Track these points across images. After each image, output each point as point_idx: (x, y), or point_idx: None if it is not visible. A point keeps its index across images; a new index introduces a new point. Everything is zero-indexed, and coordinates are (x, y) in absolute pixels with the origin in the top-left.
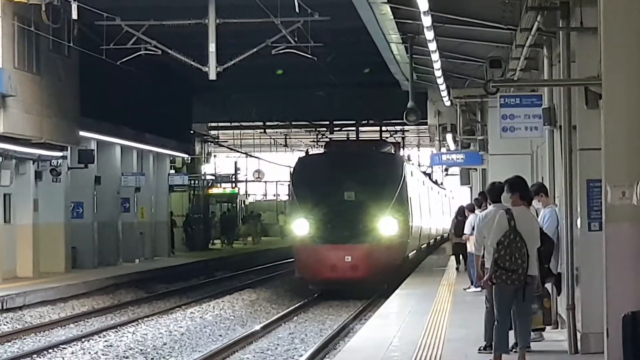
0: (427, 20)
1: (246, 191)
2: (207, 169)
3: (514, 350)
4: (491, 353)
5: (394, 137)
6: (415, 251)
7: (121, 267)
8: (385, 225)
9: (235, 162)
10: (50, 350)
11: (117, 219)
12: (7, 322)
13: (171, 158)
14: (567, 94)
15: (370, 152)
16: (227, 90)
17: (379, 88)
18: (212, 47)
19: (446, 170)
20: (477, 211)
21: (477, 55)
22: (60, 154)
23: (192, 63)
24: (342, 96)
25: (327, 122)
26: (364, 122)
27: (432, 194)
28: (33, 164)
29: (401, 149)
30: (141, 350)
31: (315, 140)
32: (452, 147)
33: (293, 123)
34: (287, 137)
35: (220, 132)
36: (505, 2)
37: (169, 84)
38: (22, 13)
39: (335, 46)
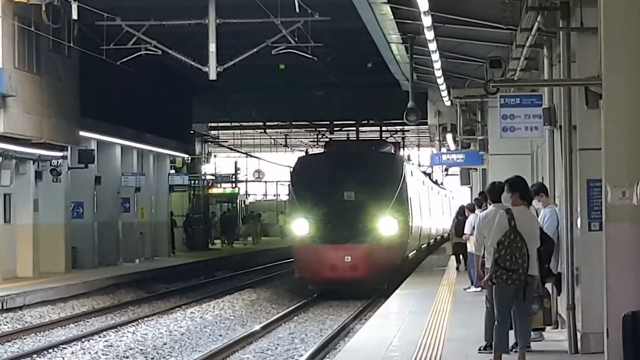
0: (427, 21)
1: (246, 191)
2: (207, 169)
3: (514, 350)
4: (491, 353)
5: (394, 137)
6: (415, 251)
7: (121, 267)
8: (385, 225)
9: (236, 162)
10: (50, 350)
11: (117, 219)
12: (7, 322)
13: (171, 158)
14: (568, 94)
15: (370, 152)
16: (227, 90)
17: (379, 88)
18: (212, 47)
19: (446, 170)
20: (477, 211)
21: (477, 55)
22: (60, 154)
23: (192, 63)
24: (342, 96)
25: (327, 122)
26: (364, 122)
27: (432, 194)
28: (33, 164)
29: (401, 149)
30: (141, 350)
31: (316, 140)
32: (452, 147)
33: (293, 123)
34: (287, 137)
35: (220, 132)
36: (505, 2)
37: (169, 84)
38: (22, 13)
39: (335, 46)
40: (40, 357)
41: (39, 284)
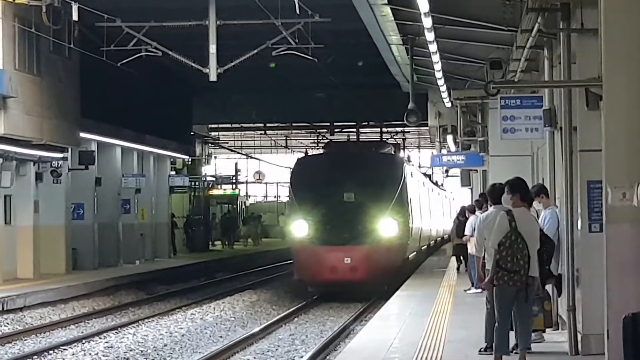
0: (427, 22)
1: (247, 192)
2: (207, 170)
3: (514, 351)
4: (492, 354)
5: (395, 139)
6: (415, 253)
7: (122, 268)
8: (385, 227)
9: (236, 164)
10: (50, 352)
11: (118, 220)
12: (7, 324)
13: (172, 159)
14: (568, 95)
15: (369, 152)
16: (228, 91)
17: (379, 89)
18: (212, 49)
19: (447, 171)
20: (477, 212)
21: (478, 56)
22: (60, 155)
23: (193, 64)
24: (342, 97)
25: (328, 124)
26: (364, 123)
27: (433, 195)
28: (33, 165)
29: (401, 150)
30: (142, 351)
31: (316, 141)
32: (453, 148)
33: (293, 124)
34: (288, 138)
35: (220, 133)
36: (505, 4)
37: (170, 85)
38: (22, 14)
39: (335, 47)
40: (40, 359)
41: (39, 285)
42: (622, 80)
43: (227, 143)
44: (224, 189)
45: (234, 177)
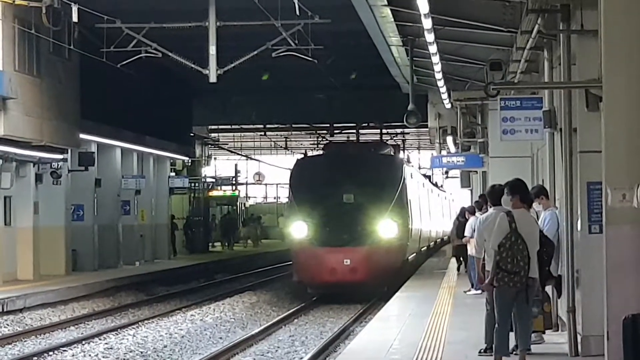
0: (427, 23)
1: (246, 194)
2: (207, 171)
3: (514, 352)
4: (491, 355)
5: (395, 140)
6: (415, 254)
7: (121, 269)
8: (385, 228)
9: (236, 165)
10: (50, 353)
11: (118, 222)
12: (7, 325)
13: (171, 161)
14: (568, 96)
15: (369, 153)
16: (228, 92)
17: (379, 90)
18: (212, 50)
19: (446, 172)
20: (477, 214)
21: (478, 57)
22: (60, 156)
23: (193, 66)
24: (342, 99)
25: (328, 125)
26: (364, 124)
27: (432, 196)
28: (33, 166)
29: (401, 151)
30: (141, 352)
31: (316, 142)
32: (453, 149)
33: (293, 125)
34: (288, 139)
35: (220, 134)
36: (505, 5)
37: (169, 86)
38: (22, 16)
39: (335, 49)
40: None
41: (39, 286)
42: (622, 82)
43: (227, 144)
44: (224, 190)
45: (234, 179)
